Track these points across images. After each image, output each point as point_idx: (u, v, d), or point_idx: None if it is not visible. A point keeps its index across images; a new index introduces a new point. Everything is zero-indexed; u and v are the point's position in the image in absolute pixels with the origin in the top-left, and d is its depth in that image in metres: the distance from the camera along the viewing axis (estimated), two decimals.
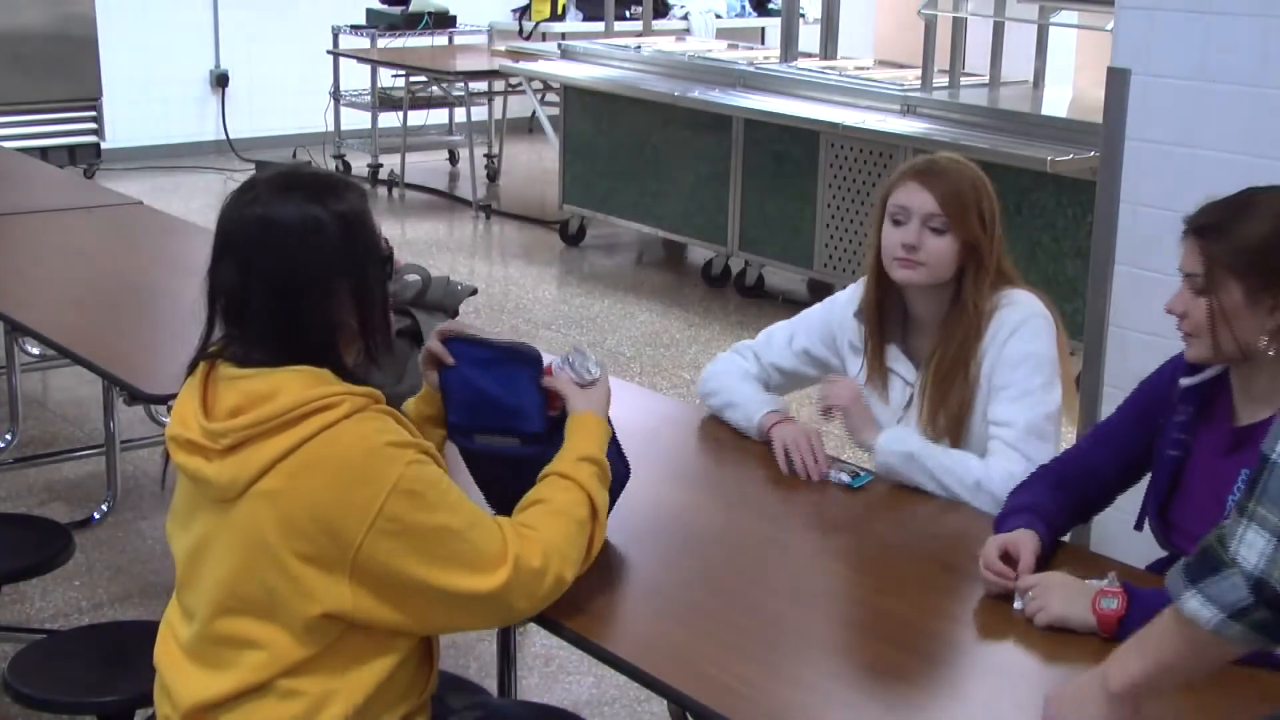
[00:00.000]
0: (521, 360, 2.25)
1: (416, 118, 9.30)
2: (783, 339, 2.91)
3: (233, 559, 1.99)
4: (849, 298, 2.84)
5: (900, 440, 2.60)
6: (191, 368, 2.07)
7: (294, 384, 1.97)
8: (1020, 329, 2.61)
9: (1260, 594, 1.41)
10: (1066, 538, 2.42)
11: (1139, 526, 2.39)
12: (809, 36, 7.55)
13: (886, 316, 2.76)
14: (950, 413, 2.66)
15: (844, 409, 2.69)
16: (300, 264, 2.00)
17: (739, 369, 2.88)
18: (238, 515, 1.98)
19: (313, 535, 1.94)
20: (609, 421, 2.28)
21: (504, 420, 2.25)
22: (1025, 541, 2.24)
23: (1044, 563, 2.24)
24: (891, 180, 2.69)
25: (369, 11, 9.32)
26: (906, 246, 2.62)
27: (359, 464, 1.94)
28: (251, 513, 1.96)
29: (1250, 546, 1.42)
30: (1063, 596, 2.11)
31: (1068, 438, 3.80)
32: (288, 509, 1.94)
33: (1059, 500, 2.37)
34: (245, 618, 2.00)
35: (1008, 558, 2.22)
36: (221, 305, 2.04)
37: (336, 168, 9.22)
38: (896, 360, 2.76)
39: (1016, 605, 2.16)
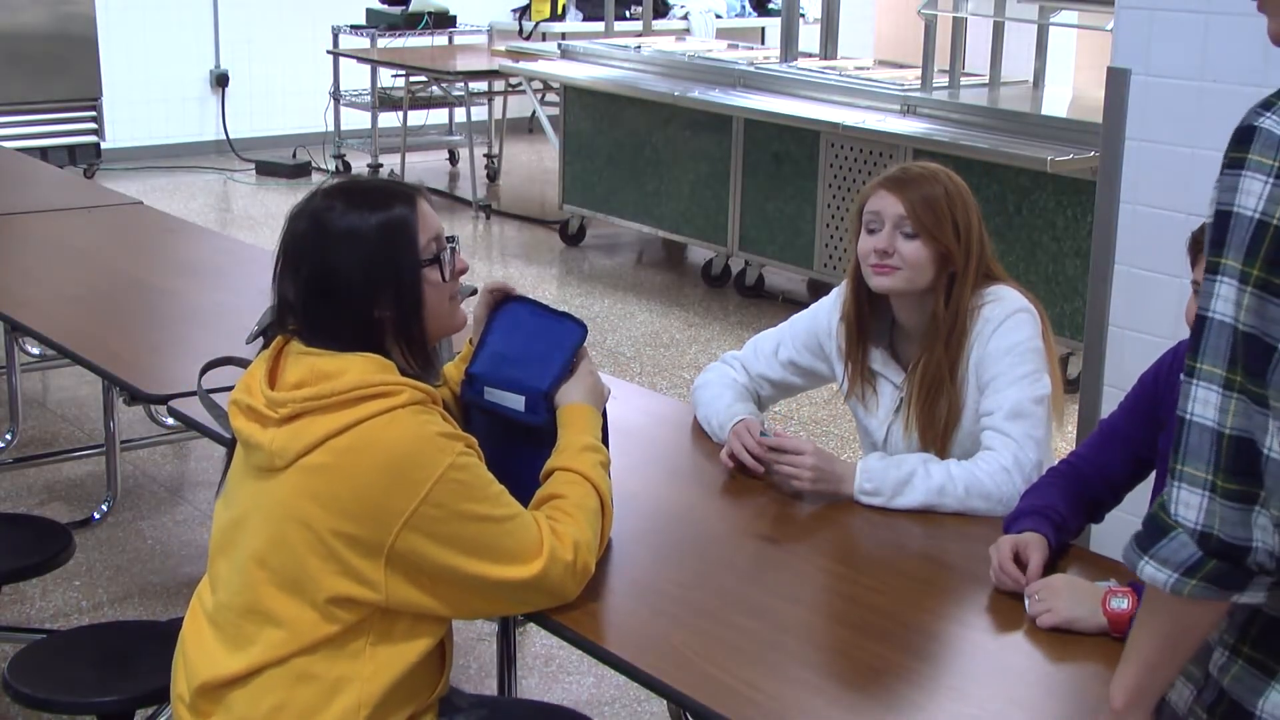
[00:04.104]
0: (569, 329, 2.34)
1: (416, 118, 9.31)
2: (769, 349, 2.90)
3: (269, 529, 2.04)
4: (833, 302, 2.83)
5: (871, 487, 2.51)
6: (266, 341, 2.18)
7: (359, 367, 2.06)
8: (1005, 323, 2.61)
9: (1207, 546, 1.46)
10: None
11: None
12: (809, 36, 7.55)
13: (869, 325, 2.75)
14: (939, 419, 2.65)
15: (811, 482, 2.53)
16: (335, 270, 2.08)
17: (727, 379, 2.88)
18: (281, 486, 2.03)
19: (355, 514, 1.99)
20: (604, 412, 2.35)
21: (522, 376, 2.31)
22: (1034, 545, 2.24)
23: (1051, 565, 2.24)
24: (865, 190, 2.69)
25: (369, 11, 9.33)
26: (879, 252, 2.62)
27: (410, 450, 2.00)
28: (296, 485, 2.02)
29: (1187, 505, 1.47)
30: (1070, 598, 2.10)
31: (1066, 438, 3.80)
32: (333, 486, 2.00)
33: (1069, 502, 2.37)
34: (272, 589, 2.04)
35: (1017, 560, 2.22)
36: (285, 307, 2.15)
37: (336, 168, 9.22)
38: (884, 365, 2.76)
39: (1029, 606, 2.16)
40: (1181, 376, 1.49)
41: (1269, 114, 1.45)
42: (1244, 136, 1.46)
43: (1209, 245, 1.47)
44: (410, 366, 2.13)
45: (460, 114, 9.34)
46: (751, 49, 8.08)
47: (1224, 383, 1.45)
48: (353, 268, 2.08)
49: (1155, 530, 1.50)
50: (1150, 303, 3.10)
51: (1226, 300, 1.44)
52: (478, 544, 2.03)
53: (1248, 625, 1.54)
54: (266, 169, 9.23)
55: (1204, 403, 1.46)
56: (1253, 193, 1.43)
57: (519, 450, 2.28)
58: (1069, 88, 7.95)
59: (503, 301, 2.40)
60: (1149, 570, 1.50)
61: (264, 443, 2.05)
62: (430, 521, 1.99)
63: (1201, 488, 1.46)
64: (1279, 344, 1.42)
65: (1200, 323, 1.47)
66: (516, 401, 2.31)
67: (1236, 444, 1.44)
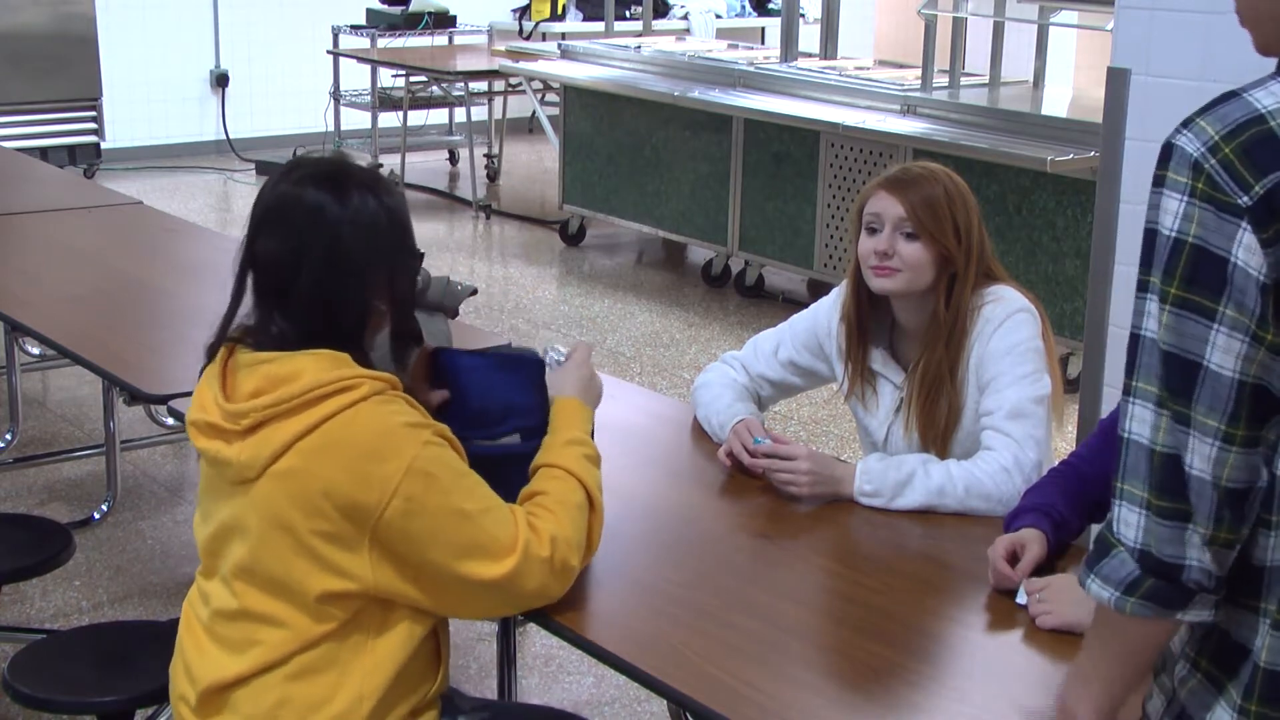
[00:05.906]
0: (524, 365, 2.29)
1: (416, 118, 9.30)
2: (768, 349, 2.90)
3: (251, 539, 2.04)
4: (833, 302, 2.83)
5: (871, 488, 2.52)
6: (212, 352, 2.13)
7: (314, 366, 2.03)
8: (1005, 323, 2.62)
9: (1145, 565, 1.48)
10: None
11: None
12: (809, 36, 7.56)
13: (869, 325, 2.75)
14: (939, 419, 2.65)
15: (808, 486, 2.53)
16: (351, 250, 2.05)
17: (727, 379, 2.87)
18: (257, 495, 2.02)
19: (330, 514, 1.98)
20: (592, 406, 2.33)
21: (504, 423, 2.26)
22: (1031, 540, 2.25)
23: (1051, 565, 2.24)
24: (865, 191, 2.69)
25: (369, 11, 9.32)
26: (879, 253, 2.62)
27: (375, 444, 1.99)
28: (270, 492, 2.01)
29: (1127, 524, 1.49)
30: (1074, 600, 2.09)
31: (1066, 438, 3.80)
32: (305, 488, 1.99)
33: (1069, 501, 2.37)
34: (263, 596, 2.04)
35: (1014, 558, 2.23)
36: (262, 280, 2.09)
37: None
38: (884, 365, 2.76)
39: (1019, 600, 2.16)
40: (1121, 395, 1.51)
41: (1185, 131, 1.46)
42: (1164, 155, 1.47)
43: (1139, 264, 1.49)
44: (370, 362, 2.08)
45: (460, 114, 9.33)
46: (751, 49, 8.08)
47: (1156, 400, 1.48)
48: (368, 250, 2.06)
49: (1101, 548, 1.52)
50: None
51: (1152, 318, 1.47)
52: (450, 538, 2.00)
53: (1205, 639, 1.55)
54: (266, 169, 9.22)
55: (1140, 420, 1.49)
56: (1169, 211, 1.45)
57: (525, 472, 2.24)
58: (1069, 88, 7.95)
59: (436, 356, 2.28)
60: (1094, 588, 1.52)
61: (231, 457, 2.03)
62: (403, 516, 1.98)
63: (1139, 506, 1.48)
64: (1203, 360, 1.43)
65: (1134, 341, 1.50)
66: (513, 439, 2.27)
67: (1165, 461, 1.46)
